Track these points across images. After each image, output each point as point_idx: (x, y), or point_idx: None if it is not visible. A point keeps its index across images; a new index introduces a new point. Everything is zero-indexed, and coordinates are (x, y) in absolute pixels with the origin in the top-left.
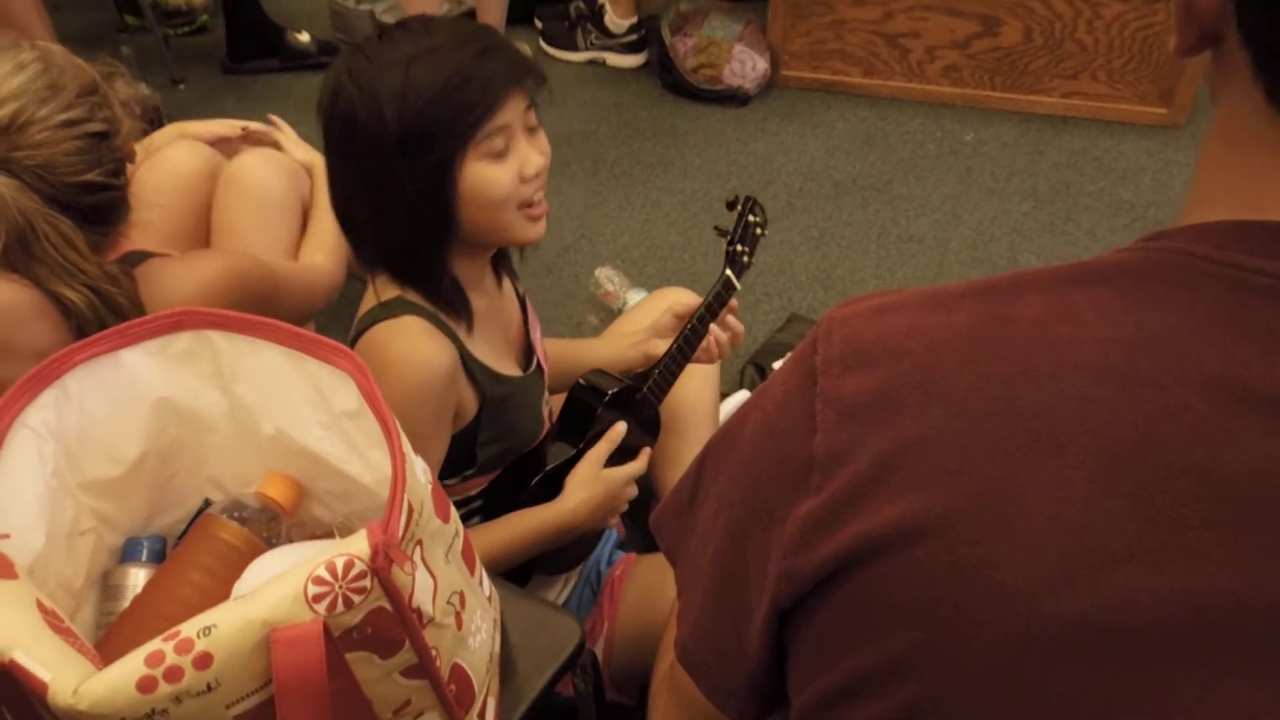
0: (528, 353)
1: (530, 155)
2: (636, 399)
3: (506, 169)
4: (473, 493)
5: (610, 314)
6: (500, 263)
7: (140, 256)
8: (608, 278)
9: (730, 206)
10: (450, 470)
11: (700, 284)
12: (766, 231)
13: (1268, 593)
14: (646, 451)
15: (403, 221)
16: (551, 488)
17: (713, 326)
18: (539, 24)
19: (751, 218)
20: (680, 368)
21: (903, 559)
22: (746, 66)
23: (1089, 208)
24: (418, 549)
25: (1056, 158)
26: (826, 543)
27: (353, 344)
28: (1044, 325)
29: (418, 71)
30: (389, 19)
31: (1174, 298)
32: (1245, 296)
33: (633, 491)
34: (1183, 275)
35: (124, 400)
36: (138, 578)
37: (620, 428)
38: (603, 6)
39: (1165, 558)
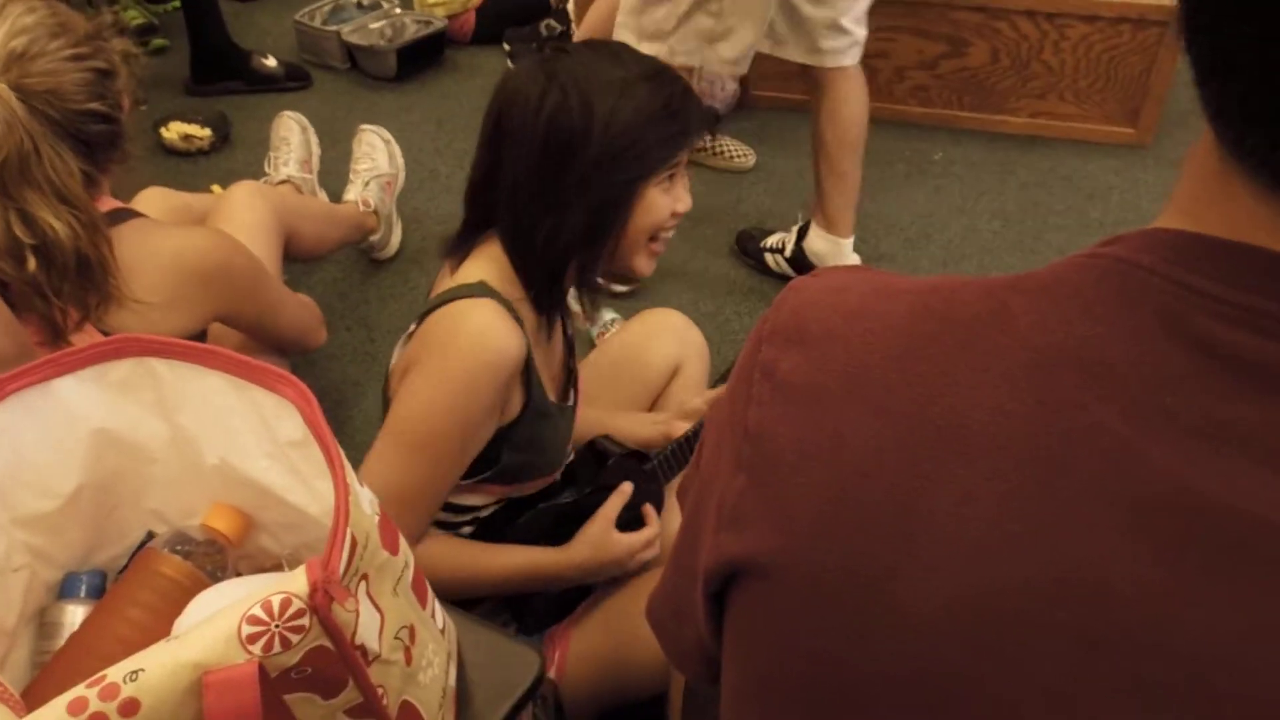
0: (565, 389)
1: (685, 195)
2: (645, 469)
3: (667, 202)
4: (475, 502)
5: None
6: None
7: (126, 214)
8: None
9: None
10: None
11: (672, 301)
12: None
13: (1179, 633)
14: (653, 515)
15: (573, 226)
16: (539, 524)
17: None
18: (507, 46)
19: None
20: (693, 453)
21: (805, 566)
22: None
23: (1058, 226)
24: (363, 583)
25: (1025, 177)
26: (738, 539)
27: (424, 317)
28: (974, 328)
29: (635, 94)
30: (355, 39)
31: (1111, 311)
32: (1185, 316)
33: (648, 554)
34: (1124, 286)
35: (58, 431)
36: (75, 615)
37: (628, 486)
38: (572, 27)
39: (1067, 591)
